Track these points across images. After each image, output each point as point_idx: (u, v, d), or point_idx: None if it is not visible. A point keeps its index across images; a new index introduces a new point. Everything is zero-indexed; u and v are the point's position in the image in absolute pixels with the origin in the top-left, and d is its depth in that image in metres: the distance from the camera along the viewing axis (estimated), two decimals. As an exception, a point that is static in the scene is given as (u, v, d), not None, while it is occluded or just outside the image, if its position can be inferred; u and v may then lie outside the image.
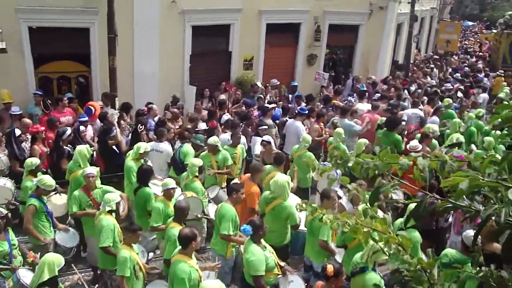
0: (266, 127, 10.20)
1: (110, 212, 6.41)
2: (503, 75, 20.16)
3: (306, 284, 6.45)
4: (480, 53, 31.04)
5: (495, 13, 50.71)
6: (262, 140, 9.58)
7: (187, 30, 13.56)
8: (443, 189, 2.06)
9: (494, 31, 29.85)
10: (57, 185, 7.37)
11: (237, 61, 15.22)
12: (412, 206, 3.05)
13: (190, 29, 13.61)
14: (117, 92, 11.37)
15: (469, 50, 33.26)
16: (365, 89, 14.80)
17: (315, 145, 10.36)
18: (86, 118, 10.00)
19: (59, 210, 7.64)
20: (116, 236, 6.34)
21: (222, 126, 10.67)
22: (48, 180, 6.91)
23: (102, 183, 7.53)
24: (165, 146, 9.22)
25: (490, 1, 60.82)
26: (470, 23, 50.47)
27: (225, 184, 8.74)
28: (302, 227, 7.08)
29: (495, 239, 4.36)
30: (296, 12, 16.01)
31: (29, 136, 9.02)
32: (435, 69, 21.99)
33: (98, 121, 10.24)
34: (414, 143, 9.07)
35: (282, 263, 6.13)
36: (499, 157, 1.90)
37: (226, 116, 10.82)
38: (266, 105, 11.96)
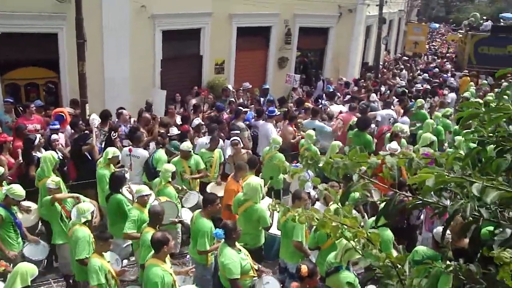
0: (238, 131, 10.23)
1: (84, 222, 6.29)
2: (468, 74, 20.67)
3: (281, 285, 6.47)
4: (448, 54, 31.73)
5: (461, 15, 52.01)
6: (231, 141, 9.60)
7: (157, 34, 13.49)
8: (412, 187, 2.11)
9: (460, 32, 30.52)
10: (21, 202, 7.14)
11: (208, 65, 15.20)
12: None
13: (160, 33, 13.55)
14: (87, 98, 11.23)
15: (436, 51, 33.97)
16: (333, 90, 14.98)
17: (287, 147, 10.42)
18: (58, 126, 9.80)
19: (30, 220, 7.47)
20: (91, 248, 6.20)
21: (194, 130, 10.65)
22: (18, 189, 6.73)
23: (74, 191, 7.41)
24: (141, 151, 9.14)
25: (455, 4, 62.34)
26: (437, 25, 51.55)
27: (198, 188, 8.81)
28: (276, 231, 7.11)
29: (465, 235, 4.46)
30: (266, 15, 16.09)
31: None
32: (404, 70, 22.39)
33: (68, 127, 10.08)
34: (394, 145, 9.13)
35: (257, 266, 6.14)
36: (463, 154, 1.96)
37: (196, 121, 10.80)
38: (239, 108, 11.98)
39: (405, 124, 10.94)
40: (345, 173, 2.20)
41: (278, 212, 2.48)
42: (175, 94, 13.47)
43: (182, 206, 8.07)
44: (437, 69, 23.39)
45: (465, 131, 2.97)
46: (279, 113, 11.82)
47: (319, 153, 2.55)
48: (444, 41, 40.24)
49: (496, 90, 12.53)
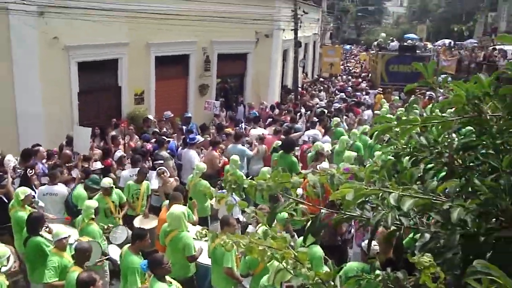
0: (162, 161, 10.08)
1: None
2: (381, 92, 21.79)
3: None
4: (362, 73, 33.29)
5: (370, 36, 55.19)
6: (157, 170, 9.46)
7: (73, 66, 13.07)
8: (335, 202, 2.15)
9: (371, 52, 32.22)
10: None
11: (127, 96, 14.90)
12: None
13: (75, 65, 13.13)
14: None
15: (351, 71, 35.55)
16: (257, 114, 15.21)
17: (212, 173, 10.40)
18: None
19: None
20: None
21: (116, 163, 10.38)
22: None
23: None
24: (60, 188, 8.71)
25: (365, 26, 66.10)
26: (349, 46, 54.21)
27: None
28: (208, 260, 6.99)
29: (390, 244, 4.60)
30: (184, 43, 16.11)
31: None
32: (322, 91, 23.17)
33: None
34: (325, 164, 9.31)
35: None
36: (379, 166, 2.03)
37: (118, 153, 10.52)
38: (162, 137, 11.82)
39: (326, 143, 11.28)
40: (269, 195, 2.20)
41: (205, 239, 2.44)
42: (95, 127, 13.03)
43: (110, 243, 7.77)
44: (351, 88, 24.43)
45: (381, 145, 3.10)
46: (202, 139, 11.80)
47: (244, 177, 2.55)
48: (358, 61, 42.25)
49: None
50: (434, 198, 1.85)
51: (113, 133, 12.67)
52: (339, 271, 2.02)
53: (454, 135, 2.42)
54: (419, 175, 2.11)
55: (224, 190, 2.45)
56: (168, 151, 11.29)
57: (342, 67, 34.62)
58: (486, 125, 1.94)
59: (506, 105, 1.83)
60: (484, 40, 33.34)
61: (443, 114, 2.12)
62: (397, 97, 20.52)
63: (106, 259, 7.09)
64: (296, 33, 20.09)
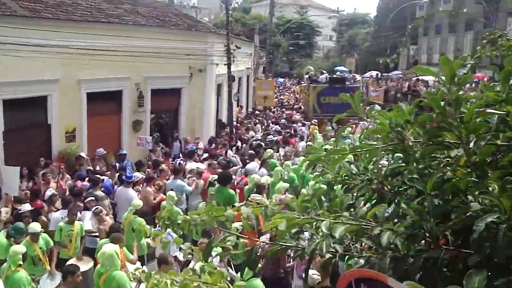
0: (93, 198, 9.74)
1: None
2: (316, 124, 22.36)
3: None
4: (295, 105, 34.06)
5: (302, 69, 56.82)
6: (94, 210, 9.15)
7: (-3, 105, 12.50)
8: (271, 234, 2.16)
9: (303, 85, 33.13)
10: None
11: (58, 134, 14.37)
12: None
13: (0, 103, 12.56)
14: None
15: (284, 103, 36.30)
16: (194, 148, 15.14)
17: (147, 210, 10.19)
18: None
19: None
20: None
21: (47, 203, 9.92)
22: None
23: None
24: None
25: (296, 60, 68.13)
26: (282, 79, 55.52)
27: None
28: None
29: (327, 272, 4.65)
30: (116, 79, 15.86)
31: None
32: (258, 124, 23.45)
33: None
34: (258, 196, 9.31)
35: None
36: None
37: (49, 192, 10.08)
38: (95, 176, 11.47)
39: (264, 176, 11.36)
40: (202, 230, 2.18)
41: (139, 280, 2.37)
42: (22, 167, 12.42)
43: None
44: (285, 120, 24.91)
45: (313, 174, 3.17)
46: (140, 176, 11.58)
47: (181, 213, 2.51)
48: (291, 93, 43.26)
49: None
50: (365, 223, 1.90)
51: (44, 171, 12.17)
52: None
53: (385, 161, 2.53)
54: (351, 202, 2.16)
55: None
56: (103, 189, 10.96)
57: (276, 99, 35.29)
58: (409, 150, 2.03)
59: (426, 131, 1.93)
60: (408, 72, 35.29)
61: (372, 142, 2.20)
62: (330, 128, 21.12)
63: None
64: (229, 68, 20.34)
